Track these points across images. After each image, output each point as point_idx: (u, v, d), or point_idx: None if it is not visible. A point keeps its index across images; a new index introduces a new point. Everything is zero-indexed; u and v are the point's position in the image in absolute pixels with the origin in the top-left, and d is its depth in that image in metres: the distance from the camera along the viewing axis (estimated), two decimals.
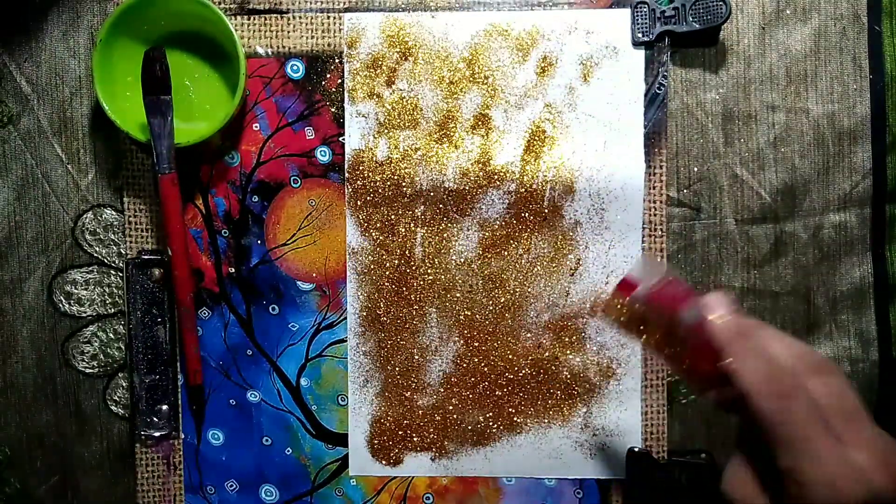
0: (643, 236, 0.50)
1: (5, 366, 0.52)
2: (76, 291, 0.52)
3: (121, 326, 0.52)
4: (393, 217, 0.50)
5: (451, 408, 0.51)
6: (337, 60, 0.50)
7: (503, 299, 0.51)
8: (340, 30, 0.50)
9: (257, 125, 0.51)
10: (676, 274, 0.42)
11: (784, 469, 0.32)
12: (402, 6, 0.50)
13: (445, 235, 0.50)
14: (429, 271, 0.51)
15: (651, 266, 0.43)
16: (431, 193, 0.50)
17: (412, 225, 0.50)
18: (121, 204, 0.51)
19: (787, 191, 0.50)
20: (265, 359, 0.52)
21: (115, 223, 0.51)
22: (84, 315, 0.52)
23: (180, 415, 0.52)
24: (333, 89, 0.50)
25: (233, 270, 0.51)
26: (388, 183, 0.50)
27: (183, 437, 0.52)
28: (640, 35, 0.49)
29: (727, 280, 0.51)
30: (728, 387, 0.34)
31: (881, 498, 0.30)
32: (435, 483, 0.52)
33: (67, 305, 0.52)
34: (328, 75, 0.50)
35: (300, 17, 0.50)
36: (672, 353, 0.40)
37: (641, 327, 0.41)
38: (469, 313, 0.51)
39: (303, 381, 0.52)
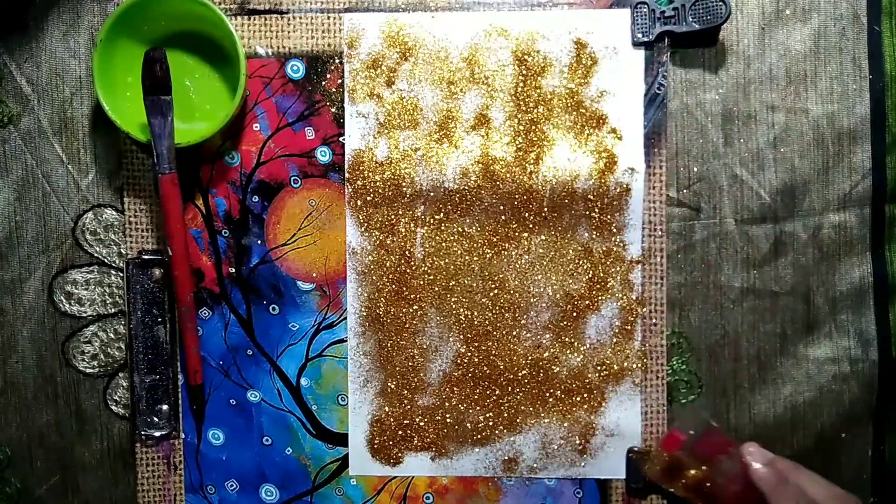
0: (643, 236, 0.50)
1: (6, 366, 0.52)
2: (76, 291, 0.52)
3: (121, 326, 0.52)
4: (393, 217, 0.50)
5: (451, 408, 0.51)
6: (337, 60, 0.50)
7: (503, 299, 0.51)
8: (340, 30, 0.50)
9: (257, 125, 0.51)
10: (717, 425, 0.50)
11: None
12: (402, 6, 0.50)
13: (445, 235, 0.50)
14: (429, 271, 0.51)
15: (695, 418, 0.50)
16: (431, 193, 0.50)
17: (412, 225, 0.50)
18: (121, 204, 0.51)
19: (786, 191, 0.50)
20: (265, 359, 0.52)
21: (116, 223, 0.51)
22: (84, 315, 0.52)
23: (180, 415, 0.52)
24: (333, 89, 0.50)
25: (233, 270, 0.51)
26: (388, 183, 0.50)
27: (183, 436, 0.52)
28: (639, 35, 0.49)
29: (727, 280, 0.51)
30: None
31: None
32: (435, 483, 0.52)
33: (68, 305, 0.52)
34: (328, 75, 0.50)
35: (300, 18, 0.50)
36: (708, 498, 0.46)
37: (677, 475, 0.48)
38: (469, 313, 0.51)
39: (303, 381, 0.52)
